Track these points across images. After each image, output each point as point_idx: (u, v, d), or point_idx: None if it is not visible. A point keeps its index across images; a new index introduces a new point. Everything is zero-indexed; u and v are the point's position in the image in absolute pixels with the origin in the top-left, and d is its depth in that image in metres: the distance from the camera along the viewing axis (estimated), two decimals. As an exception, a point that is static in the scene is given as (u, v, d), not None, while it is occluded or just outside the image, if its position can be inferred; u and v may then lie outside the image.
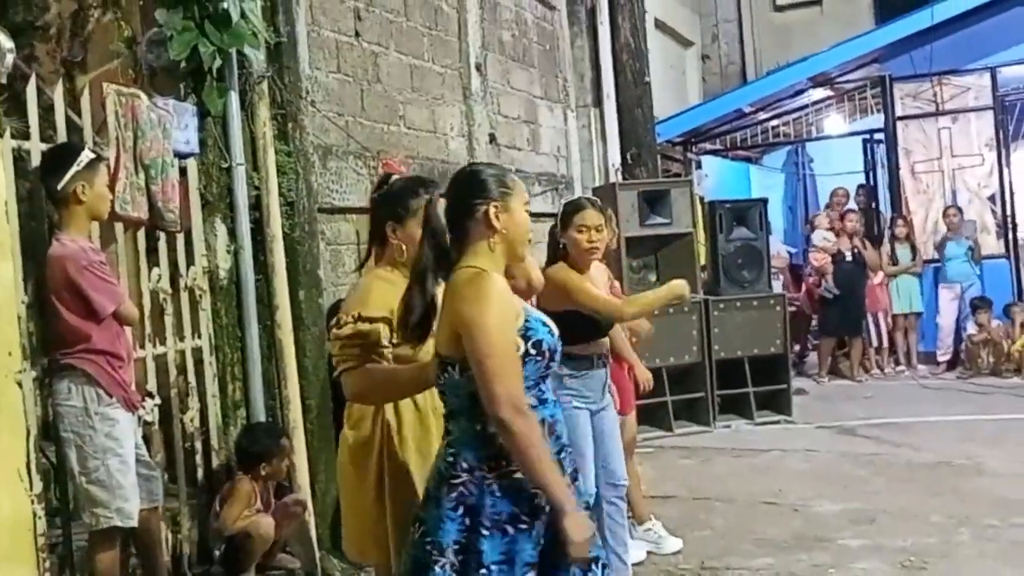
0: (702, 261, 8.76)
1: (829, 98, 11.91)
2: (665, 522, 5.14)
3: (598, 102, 8.93)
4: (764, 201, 8.99)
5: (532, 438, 2.32)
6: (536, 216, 7.57)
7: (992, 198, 10.58)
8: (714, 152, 12.88)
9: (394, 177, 3.04)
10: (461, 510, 2.38)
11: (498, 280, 2.41)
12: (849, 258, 9.82)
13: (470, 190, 2.46)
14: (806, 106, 12.04)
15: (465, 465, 2.39)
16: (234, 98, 4.51)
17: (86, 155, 3.56)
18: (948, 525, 5.11)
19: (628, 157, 8.90)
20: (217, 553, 4.21)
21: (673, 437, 7.40)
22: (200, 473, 4.38)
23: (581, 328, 4.00)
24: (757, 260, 8.35)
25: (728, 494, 5.96)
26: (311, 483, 4.65)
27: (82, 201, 3.53)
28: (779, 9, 15.36)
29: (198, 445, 4.37)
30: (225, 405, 4.53)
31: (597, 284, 4.18)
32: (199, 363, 4.40)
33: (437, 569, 2.37)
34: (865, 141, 11.98)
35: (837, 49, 11.10)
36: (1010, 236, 10.49)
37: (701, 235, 9.12)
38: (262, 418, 4.58)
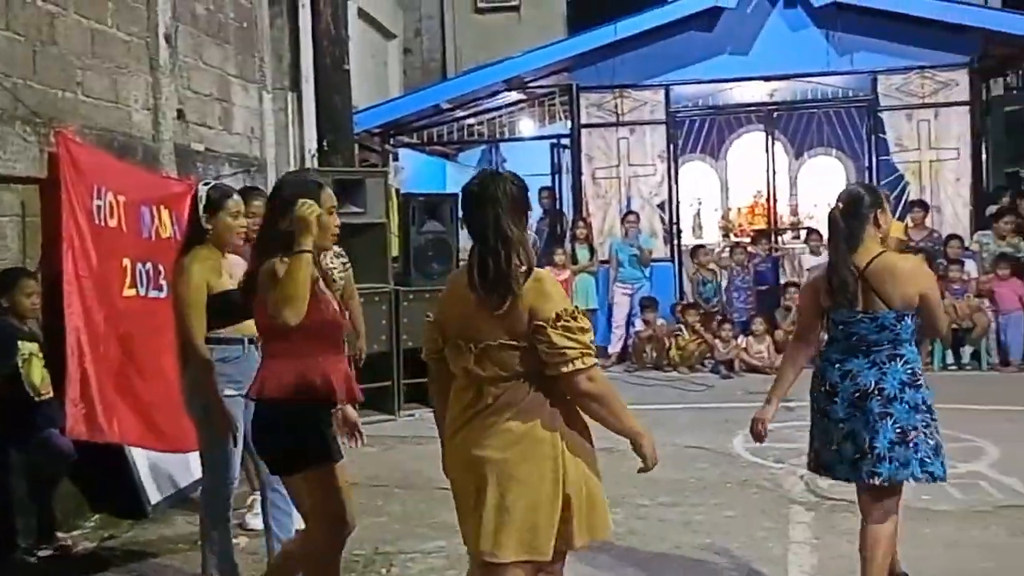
0: (394, 252, 8.87)
1: (522, 101, 12.47)
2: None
3: (296, 85, 8.79)
4: (456, 196, 9.24)
5: None
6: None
7: (661, 206, 11.53)
8: (412, 146, 13.05)
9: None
10: (916, 400, 3.69)
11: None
12: None
13: (870, 200, 3.72)
14: (501, 107, 12.52)
15: (919, 372, 3.74)
16: None
17: None
18: (608, 506, 5.49)
19: (324, 144, 8.82)
20: None
21: (358, 425, 7.44)
22: None
23: (225, 310, 3.95)
24: (447, 253, 8.58)
25: (407, 481, 6.10)
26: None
27: None
28: (480, 11, 15.82)
29: None
30: None
31: (235, 273, 4.09)
32: None
33: (923, 437, 3.67)
34: (553, 145, 12.63)
35: (531, 55, 11.63)
36: (675, 242, 11.49)
37: (395, 226, 9.24)
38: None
